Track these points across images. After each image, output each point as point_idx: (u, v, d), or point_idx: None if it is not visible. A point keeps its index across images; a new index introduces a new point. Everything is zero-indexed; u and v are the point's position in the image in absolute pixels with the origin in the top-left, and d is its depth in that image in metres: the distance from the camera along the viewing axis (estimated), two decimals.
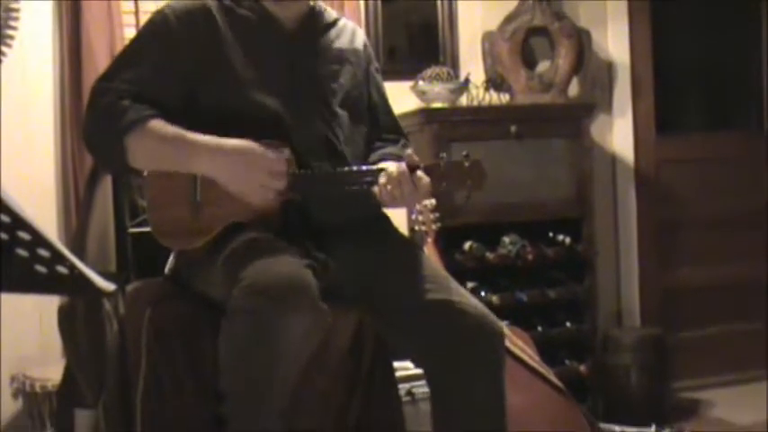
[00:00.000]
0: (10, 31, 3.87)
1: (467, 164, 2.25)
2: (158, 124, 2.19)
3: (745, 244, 4.90)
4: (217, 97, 2.27)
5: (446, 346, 2.20)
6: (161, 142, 2.19)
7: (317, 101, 2.37)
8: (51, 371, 3.43)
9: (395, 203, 2.24)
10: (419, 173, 2.21)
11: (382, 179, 2.21)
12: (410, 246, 2.50)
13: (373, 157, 2.44)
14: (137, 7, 3.94)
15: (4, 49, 3.86)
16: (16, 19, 3.87)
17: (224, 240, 2.19)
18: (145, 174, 2.27)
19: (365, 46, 2.56)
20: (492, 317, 2.24)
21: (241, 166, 2.17)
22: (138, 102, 2.20)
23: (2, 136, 3.80)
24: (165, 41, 2.28)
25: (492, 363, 2.23)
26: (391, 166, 2.21)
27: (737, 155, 4.98)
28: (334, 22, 2.50)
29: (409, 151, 2.42)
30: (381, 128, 2.55)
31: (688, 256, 4.87)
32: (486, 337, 2.21)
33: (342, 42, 2.48)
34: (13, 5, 3.86)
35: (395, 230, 2.51)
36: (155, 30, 2.31)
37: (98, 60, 3.74)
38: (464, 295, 2.27)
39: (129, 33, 3.83)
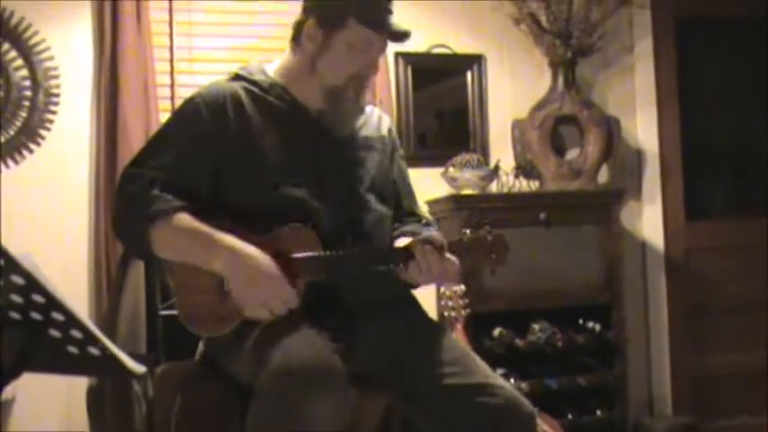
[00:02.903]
0: (49, 116, 3.96)
1: (489, 238, 2.27)
2: (184, 218, 2.20)
3: None
4: (245, 183, 2.29)
5: (477, 429, 2.19)
6: (185, 237, 2.21)
7: (345, 187, 2.39)
8: None
9: (422, 281, 2.25)
10: (447, 253, 2.21)
11: (410, 258, 2.22)
12: (439, 328, 2.49)
13: (394, 233, 2.47)
14: (172, 80, 4.03)
15: (43, 132, 3.95)
16: (56, 104, 3.96)
17: (252, 324, 2.20)
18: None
19: (390, 131, 2.59)
20: (523, 399, 2.23)
21: (253, 280, 2.17)
22: (167, 189, 2.22)
23: (37, 215, 3.86)
24: (195, 130, 2.30)
25: None
26: (418, 246, 2.22)
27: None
28: (361, 110, 2.55)
29: (434, 231, 2.43)
30: (405, 212, 2.57)
31: (720, 343, 4.82)
32: (518, 420, 2.20)
33: (368, 129, 2.52)
34: (54, 90, 3.96)
35: (423, 313, 2.51)
36: (186, 118, 2.34)
37: (133, 142, 3.81)
38: (494, 377, 2.26)
39: (165, 116, 3.90)
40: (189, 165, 2.28)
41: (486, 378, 2.24)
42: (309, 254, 2.22)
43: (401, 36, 2.37)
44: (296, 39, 2.42)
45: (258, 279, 2.17)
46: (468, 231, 2.32)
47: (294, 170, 2.32)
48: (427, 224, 2.57)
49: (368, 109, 2.57)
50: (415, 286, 2.38)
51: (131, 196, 2.24)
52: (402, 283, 2.33)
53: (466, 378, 2.23)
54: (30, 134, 3.93)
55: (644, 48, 4.77)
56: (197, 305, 2.25)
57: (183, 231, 2.21)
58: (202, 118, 2.31)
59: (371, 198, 2.42)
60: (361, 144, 2.47)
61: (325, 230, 2.26)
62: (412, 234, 2.42)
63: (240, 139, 2.30)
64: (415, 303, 2.50)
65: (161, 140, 2.35)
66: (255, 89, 2.38)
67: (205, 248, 2.20)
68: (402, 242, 2.37)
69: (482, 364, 2.30)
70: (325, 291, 2.27)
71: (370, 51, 2.35)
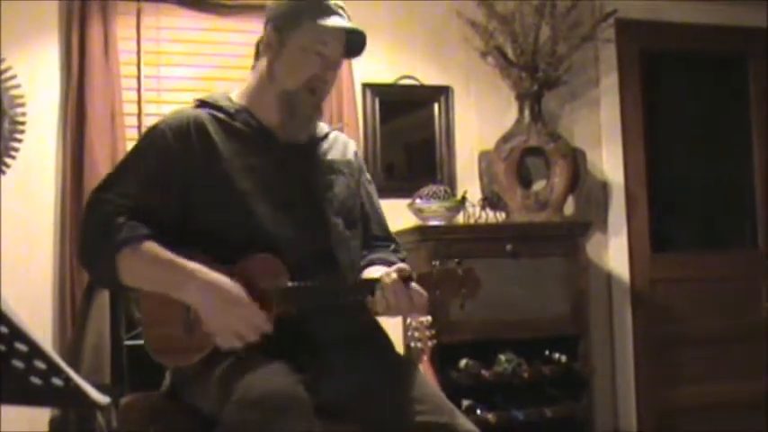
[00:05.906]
0: (15, 144, 3.93)
1: (460, 271, 2.24)
2: (151, 246, 2.19)
3: (743, 362, 4.87)
4: (212, 210, 2.29)
5: None
6: (152, 265, 2.20)
7: (313, 211, 2.39)
8: None
9: (389, 313, 2.24)
10: (414, 284, 2.21)
11: (377, 289, 2.21)
12: (406, 364, 2.48)
13: (362, 263, 2.46)
14: (139, 109, 4.03)
15: (8, 161, 3.92)
16: (21, 132, 3.93)
17: (218, 356, 2.19)
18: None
19: (356, 154, 2.60)
20: None
21: (224, 307, 2.16)
22: (133, 216, 2.21)
23: (1, 243, 3.82)
24: (161, 156, 2.30)
25: None
26: (385, 277, 2.21)
27: (732, 273, 5.00)
28: (326, 135, 2.55)
29: (403, 261, 2.42)
30: (373, 236, 2.57)
31: (685, 375, 4.85)
32: None
33: (334, 154, 2.52)
34: (20, 118, 3.93)
35: (392, 347, 2.50)
36: (151, 144, 2.34)
37: (100, 171, 3.77)
38: (459, 417, 2.24)
39: (131, 144, 3.88)
40: (155, 191, 2.27)
41: (450, 418, 2.23)
42: (277, 286, 2.21)
43: (356, 37, 2.39)
44: (257, 55, 2.45)
45: (229, 306, 2.16)
46: (437, 264, 2.30)
47: (262, 196, 2.31)
48: (395, 250, 2.57)
49: (332, 134, 2.57)
50: (381, 315, 2.37)
51: (98, 224, 2.23)
52: (369, 314, 2.33)
53: (430, 417, 2.21)
54: None
55: (609, 81, 4.83)
56: (164, 336, 2.24)
57: (151, 260, 2.19)
58: (168, 143, 2.30)
59: (340, 222, 2.42)
60: (327, 168, 2.48)
61: (293, 258, 2.25)
62: (381, 262, 2.42)
63: (206, 164, 2.30)
64: (382, 334, 2.49)
65: (127, 166, 2.35)
66: (221, 115, 2.38)
67: (174, 277, 2.19)
68: (370, 272, 2.36)
69: (447, 404, 2.28)
70: (293, 321, 2.26)
71: (325, 53, 2.37)
